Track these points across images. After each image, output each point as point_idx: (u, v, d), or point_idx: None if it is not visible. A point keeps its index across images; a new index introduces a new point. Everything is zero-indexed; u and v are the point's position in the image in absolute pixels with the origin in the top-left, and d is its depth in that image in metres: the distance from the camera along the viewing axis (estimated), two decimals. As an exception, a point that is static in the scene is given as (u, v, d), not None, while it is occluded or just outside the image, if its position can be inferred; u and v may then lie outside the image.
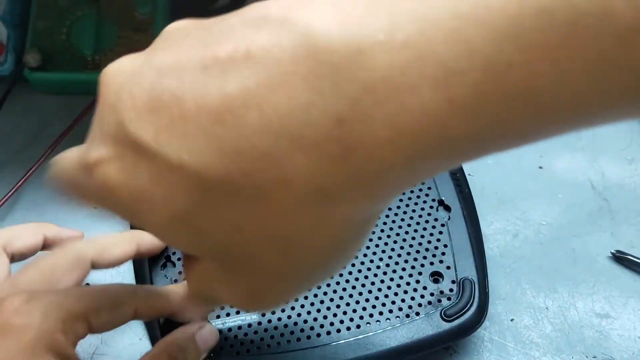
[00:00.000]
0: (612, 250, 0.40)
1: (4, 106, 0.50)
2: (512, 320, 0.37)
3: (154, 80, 0.17)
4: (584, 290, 0.38)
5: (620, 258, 0.39)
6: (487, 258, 0.35)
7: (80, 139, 0.39)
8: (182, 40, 0.18)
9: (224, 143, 0.16)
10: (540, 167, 0.45)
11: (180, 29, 0.20)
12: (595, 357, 0.35)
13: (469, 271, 0.33)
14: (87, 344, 0.35)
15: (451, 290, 0.33)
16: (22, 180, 0.44)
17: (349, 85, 0.14)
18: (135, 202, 0.18)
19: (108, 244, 0.30)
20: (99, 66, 0.50)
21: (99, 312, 0.25)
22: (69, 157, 0.21)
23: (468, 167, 0.39)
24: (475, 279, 0.33)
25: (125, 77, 0.18)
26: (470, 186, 0.37)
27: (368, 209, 0.17)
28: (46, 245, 0.32)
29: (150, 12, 0.52)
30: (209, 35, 0.17)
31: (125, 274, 0.38)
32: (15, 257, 0.30)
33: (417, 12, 0.14)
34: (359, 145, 0.15)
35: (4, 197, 0.44)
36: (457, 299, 0.32)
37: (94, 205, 0.20)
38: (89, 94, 0.49)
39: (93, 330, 0.25)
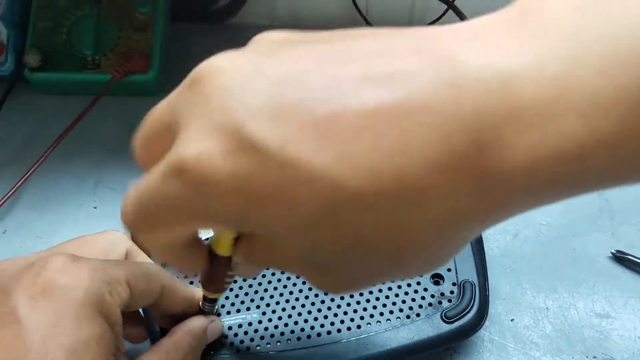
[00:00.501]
0: (613, 250, 0.40)
1: (4, 106, 0.50)
2: (512, 320, 0.37)
3: (274, 89, 0.17)
4: (584, 290, 0.38)
5: (620, 258, 0.39)
6: (487, 258, 0.36)
7: (80, 139, 0.39)
8: (293, 52, 0.18)
9: (360, 158, 0.16)
10: (541, 167, 0.45)
11: (283, 40, 0.19)
12: (595, 357, 0.35)
13: (469, 274, 0.33)
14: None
15: (452, 292, 0.33)
16: (22, 180, 0.44)
17: (493, 112, 0.15)
18: (250, 205, 0.17)
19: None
20: (99, 66, 0.50)
21: (137, 280, 0.25)
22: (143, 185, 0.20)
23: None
24: (475, 282, 0.33)
25: (232, 78, 0.17)
26: None
27: (486, 227, 0.18)
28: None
29: (150, 12, 0.52)
30: (334, 53, 0.17)
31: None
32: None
33: (563, 50, 0.15)
34: (496, 171, 0.16)
35: (4, 197, 0.44)
36: (457, 301, 0.32)
37: (185, 205, 0.18)
38: (89, 94, 0.49)
39: (132, 298, 0.25)
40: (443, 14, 0.56)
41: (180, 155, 0.17)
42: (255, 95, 0.17)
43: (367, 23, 0.63)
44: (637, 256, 0.39)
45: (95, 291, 0.22)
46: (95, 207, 0.38)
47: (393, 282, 0.33)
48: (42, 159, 0.45)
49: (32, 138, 0.50)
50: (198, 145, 0.17)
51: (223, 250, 0.23)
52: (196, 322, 0.28)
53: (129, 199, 0.20)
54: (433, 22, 0.57)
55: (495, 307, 0.37)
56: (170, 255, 0.21)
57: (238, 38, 0.68)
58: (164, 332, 0.29)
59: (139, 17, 0.52)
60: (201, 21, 0.63)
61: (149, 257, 0.30)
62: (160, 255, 0.22)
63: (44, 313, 0.21)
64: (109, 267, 0.24)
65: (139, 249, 0.29)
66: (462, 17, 0.52)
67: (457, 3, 0.52)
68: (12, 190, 0.44)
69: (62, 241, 0.30)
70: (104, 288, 0.23)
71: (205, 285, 0.27)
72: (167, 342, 0.27)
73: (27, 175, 0.44)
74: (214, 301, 0.29)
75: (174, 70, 0.55)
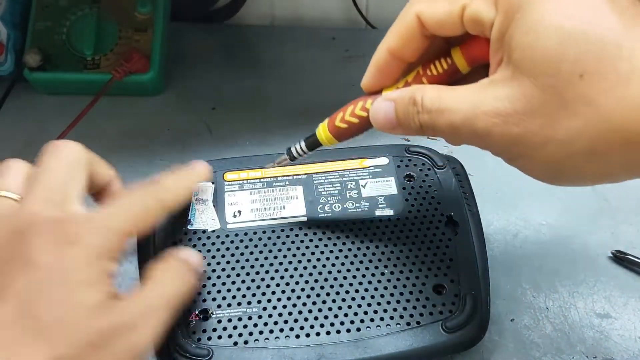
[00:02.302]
0: (612, 250, 0.40)
1: (4, 106, 0.50)
2: (512, 320, 0.37)
3: None
4: (584, 291, 0.38)
5: (620, 258, 0.39)
6: (488, 258, 0.35)
7: (80, 139, 0.38)
8: None
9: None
10: (541, 167, 0.45)
11: None
12: (595, 357, 0.35)
13: (472, 287, 0.33)
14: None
15: (453, 303, 0.33)
16: (22, 181, 0.44)
17: None
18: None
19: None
20: (98, 66, 0.50)
21: (136, 229, 0.28)
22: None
23: (468, 168, 0.39)
24: (478, 295, 0.33)
25: None
26: (476, 203, 0.38)
27: None
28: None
29: (150, 12, 0.52)
30: None
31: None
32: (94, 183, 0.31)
33: None
34: None
35: (4, 197, 0.44)
36: (459, 312, 0.32)
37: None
38: (89, 94, 0.49)
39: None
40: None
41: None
42: None
43: (367, 23, 0.63)
44: (637, 256, 0.39)
45: (97, 249, 0.25)
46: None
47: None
48: (42, 159, 0.45)
49: (32, 138, 0.50)
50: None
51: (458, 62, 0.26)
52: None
53: None
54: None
55: (495, 307, 0.37)
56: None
57: (238, 38, 0.68)
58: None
59: (138, 17, 0.52)
60: (201, 21, 0.63)
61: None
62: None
63: (61, 258, 0.24)
64: (118, 220, 0.27)
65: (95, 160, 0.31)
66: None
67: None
68: (12, 191, 0.44)
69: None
70: (113, 240, 0.26)
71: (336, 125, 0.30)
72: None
73: (27, 175, 0.44)
74: (315, 147, 0.32)
75: (174, 70, 0.55)
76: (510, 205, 0.43)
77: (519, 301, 0.38)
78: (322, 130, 0.31)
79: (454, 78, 0.26)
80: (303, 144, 0.32)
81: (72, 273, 0.25)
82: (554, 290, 0.38)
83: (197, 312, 0.32)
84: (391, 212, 0.36)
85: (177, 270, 0.29)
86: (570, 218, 0.42)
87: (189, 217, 0.36)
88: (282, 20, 0.63)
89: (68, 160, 0.28)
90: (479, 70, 0.26)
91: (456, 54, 0.26)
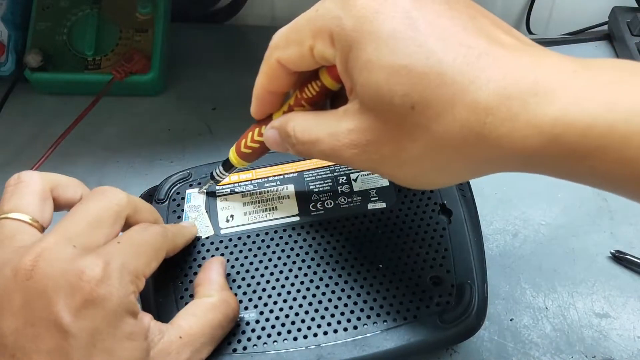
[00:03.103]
0: (612, 250, 0.40)
1: (5, 106, 0.50)
2: (511, 320, 0.37)
3: None
4: (584, 290, 0.38)
5: (619, 258, 0.39)
6: (487, 258, 0.35)
7: (81, 139, 0.39)
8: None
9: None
10: (540, 167, 0.45)
11: None
12: (594, 356, 0.35)
13: (468, 276, 0.33)
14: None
15: (450, 294, 0.32)
16: (22, 181, 0.44)
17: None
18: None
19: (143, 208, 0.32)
20: (99, 67, 0.50)
21: (151, 265, 0.28)
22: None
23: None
24: (474, 284, 0.33)
25: None
26: (471, 187, 0.37)
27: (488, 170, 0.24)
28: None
29: (151, 13, 0.52)
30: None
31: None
32: (59, 205, 0.30)
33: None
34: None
35: (5, 197, 0.44)
36: (455, 303, 0.32)
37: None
38: (89, 94, 0.49)
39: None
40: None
41: None
42: None
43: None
44: (637, 256, 0.39)
45: (124, 295, 0.25)
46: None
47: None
48: (42, 159, 0.45)
49: (32, 138, 0.50)
50: None
51: (327, 81, 0.28)
52: (216, 275, 0.32)
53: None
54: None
55: (495, 307, 0.37)
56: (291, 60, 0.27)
57: (238, 39, 0.68)
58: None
59: (139, 18, 0.52)
60: (201, 21, 0.63)
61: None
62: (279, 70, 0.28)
63: (85, 321, 0.24)
64: (131, 263, 0.27)
65: (138, 209, 0.31)
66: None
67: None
68: (13, 190, 0.44)
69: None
70: (129, 289, 0.26)
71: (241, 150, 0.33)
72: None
73: (28, 175, 0.45)
74: (231, 170, 0.34)
75: (174, 70, 0.55)
76: (510, 205, 0.43)
77: (518, 301, 0.38)
78: (232, 155, 0.34)
79: (330, 94, 0.29)
80: (221, 167, 0.35)
81: (108, 333, 0.24)
82: (553, 290, 0.38)
83: None
84: (384, 205, 0.36)
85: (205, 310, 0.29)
86: (570, 218, 0.42)
87: None
88: (282, 21, 0.63)
89: (107, 205, 0.28)
90: None
91: (323, 75, 0.28)
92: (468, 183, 0.38)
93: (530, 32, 0.63)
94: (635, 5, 0.58)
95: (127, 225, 0.30)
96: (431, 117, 0.22)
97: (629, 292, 0.38)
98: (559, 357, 0.35)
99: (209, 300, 0.30)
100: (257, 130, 0.32)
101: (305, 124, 0.27)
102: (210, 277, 0.31)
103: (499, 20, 0.24)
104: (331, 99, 0.30)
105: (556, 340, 0.36)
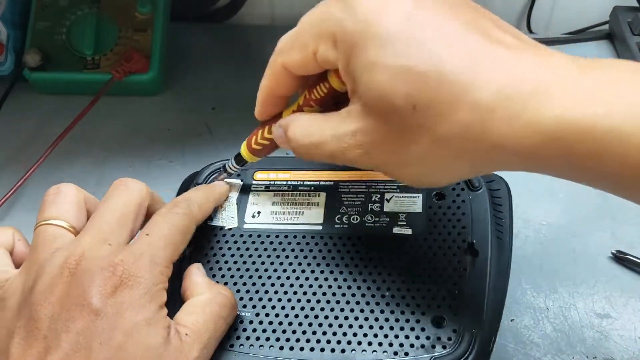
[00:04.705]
0: (613, 250, 0.40)
1: (4, 106, 0.50)
2: (512, 320, 0.37)
3: None
4: (585, 291, 0.38)
5: (620, 258, 0.39)
6: (506, 295, 0.34)
7: (80, 139, 0.39)
8: None
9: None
10: (541, 167, 0.45)
11: None
12: (595, 357, 0.35)
13: (474, 324, 0.30)
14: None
15: (449, 339, 0.30)
16: (22, 180, 0.44)
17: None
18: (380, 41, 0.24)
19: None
20: (98, 66, 0.50)
21: (179, 249, 0.30)
22: None
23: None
24: (478, 334, 0.30)
25: None
26: (512, 232, 0.34)
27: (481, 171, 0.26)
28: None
29: (150, 12, 0.52)
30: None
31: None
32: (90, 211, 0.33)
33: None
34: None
35: (4, 197, 0.44)
36: (452, 349, 0.30)
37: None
38: (89, 94, 0.49)
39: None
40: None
41: None
42: None
43: (367, 23, 0.62)
44: (637, 256, 0.39)
45: (152, 285, 0.27)
46: None
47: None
48: (42, 159, 0.45)
49: (31, 138, 0.50)
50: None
51: (334, 82, 0.28)
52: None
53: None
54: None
55: (496, 307, 0.37)
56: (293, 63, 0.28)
57: (238, 38, 0.68)
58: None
59: (139, 17, 0.52)
60: (201, 21, 0.63)
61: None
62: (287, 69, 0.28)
63: (112, 304, 0.26)
64: (159, 255, 0.29)
65: (154, 197, 0.33)
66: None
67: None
68: (12, 190, 0.44)
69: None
70: (158, 279, 0.28)
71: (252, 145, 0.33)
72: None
73: (27, 175, 0.44)
74: (244, 164, 0.35)
75: (174, 70, 0.55)
76: (511, 205, 0.43)
77: (519, 301, 0.38)
78: (244, 150, 0.34)
79: (337, 96, 0.29)
80: (233, 161, 0.35)
81: (130, 316, 0.26)
82: (554, 291, 0.38)
83: None
84: (409, 232, 0.34)
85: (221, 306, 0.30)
86: (571, 218, 0.42)
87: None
88: (282, 20, 0.63)
89: (130, 200, 0.30)
90: None
91: (331, 77, 0.28)
92: (511, 229, 0.35)
93: (530, 32, 0.63)
94: (637, 4, 0.58)
95: (148, 214, 0.32)
96: (433, 117, 0.23)
97: (630, 293, 0.38)
98: (560, 358, 0.35)
99: (200, 297, 0.30)
100: (267, 127, 0.32)
101: (308, 127, 0.28)
102: (193, 280, 0.31)
103: (500, 20, 0.24)
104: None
105: (557, 341, 0.36)
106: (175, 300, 0.31)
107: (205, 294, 0.30)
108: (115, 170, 0.47)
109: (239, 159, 0.35)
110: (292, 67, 0.28)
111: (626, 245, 0.40)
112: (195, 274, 0.32)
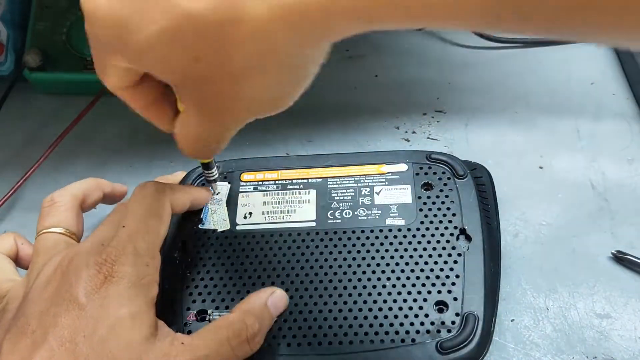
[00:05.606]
0: (613, 251, 0.40)
1: (4, 106, 0.50)
2: (512, 320, 0.37)
3: None
4: (585, 291, 0.38)
5: (620, 258, 0.39)
6: (500, 276, 0.35)
7: (80, 139, 0.39)
8: None
9: None
10: (541, 167, 0.45)
11: None
12: (595, 357, 0.35)
13: (476, 306, 0.31)
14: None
15: (453, 322, 0.31)
16: (22, 180, 0.44)
17: None
18: (120, 26, 0.22)
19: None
20: (98, 66, 0.50)
21: (160, 232, 0.30)
22: None
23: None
24: (480, 316, 0.31)
25: None
26: (498, 217, 0.36)
27: (298, 53, 0.23)
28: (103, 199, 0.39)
29: (150, 12, 0.52)
30: None
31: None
32: (85, 209, 0.36)
33: None
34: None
35: (4, 197, 0.44)
36: (457, 332, 0.31)
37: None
38: (88, 94, 0.49)
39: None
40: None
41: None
42: None
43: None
44: (637, 256, 0.39)
45: (137, 279, 0.28)
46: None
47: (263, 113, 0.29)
48: (42, 159, 0.45)
49: (31, 138, 0.50)
50: None
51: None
52: (255, 299, 0.31)
53: None
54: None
55: (495, 308, 0.37)
56: (139, 103, 0.29)
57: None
58: None
59: (138, 17, 0.52)
60: (201, 21, 0.63)
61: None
62: (132, 103, 0.29)
63: (96, 299, 0.27)
64: (140, 246, 0.29)
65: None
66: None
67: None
68: (12, 190, 0.44)
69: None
70: (144, 272, 0.28)
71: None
72: (221, 322, 0.30)
73: (27, 175, 0.44)
74: (208, 167, 0.35)
75: (173, 70, 0.55)
76: (510, 206, 0.43)
77: (519, 301, 0.38)
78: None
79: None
80: (202, 168, 0.36)
81: (114, 309, 0.27)
82: (554, 291, 0.38)
83: (195, 313, 0.32)
84: (402, 222, 0.35)
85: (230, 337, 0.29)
86: (570, 218, 0.42)
87: (201, 217, 0.36)
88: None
89: (146, 208, 0.31)
90: None
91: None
92: (497, 213, 0.37)
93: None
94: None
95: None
96: (212, 43, 0.22)
97: (630, 293, 0.38)
98: (560, 358, 0.35)
99: (228, 315, 0.30)
100: None
101: (186, 136, 0.30)
102: (250, 299, 0.31)
103: None
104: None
105: (557, 341, 0.36)
106: None
107: (235, 313, 0.30)
108: (116, 170, 0.47)
109: (202, 164, 0.35)
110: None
111: (626, 246, 0.40)
112: (257, 295, 0.31)
